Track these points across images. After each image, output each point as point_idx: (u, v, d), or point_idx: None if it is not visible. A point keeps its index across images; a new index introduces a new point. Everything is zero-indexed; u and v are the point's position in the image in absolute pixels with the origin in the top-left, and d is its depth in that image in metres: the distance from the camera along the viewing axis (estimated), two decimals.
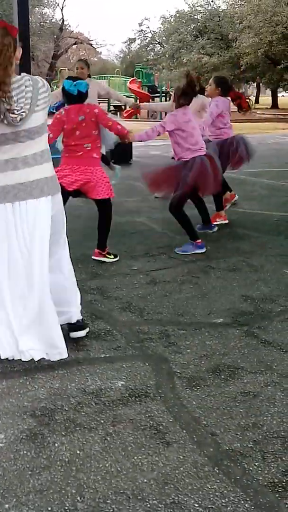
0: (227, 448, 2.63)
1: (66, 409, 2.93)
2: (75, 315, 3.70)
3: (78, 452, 2.59)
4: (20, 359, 3.42)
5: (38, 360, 3.43)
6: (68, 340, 3.71)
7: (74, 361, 3.44)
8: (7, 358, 3.42)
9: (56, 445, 2.64)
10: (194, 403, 3.00)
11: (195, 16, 37.35)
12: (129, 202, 8.12)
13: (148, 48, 46.92)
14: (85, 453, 2.58)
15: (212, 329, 3.92)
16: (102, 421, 2.83)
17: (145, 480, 2.40)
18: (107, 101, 30.66)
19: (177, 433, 2.74)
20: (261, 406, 2.97)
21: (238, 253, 5.65)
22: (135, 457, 2.55)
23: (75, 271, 5.07)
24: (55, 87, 40.76)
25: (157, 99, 32.69)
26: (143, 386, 3.16)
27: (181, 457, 2.56)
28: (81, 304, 4.30)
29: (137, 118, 27.48)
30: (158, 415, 2.88)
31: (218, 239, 6.18)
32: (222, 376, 3.27)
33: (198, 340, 3.75)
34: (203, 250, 5.61)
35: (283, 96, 49.00)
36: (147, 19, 47.19)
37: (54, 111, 10.07)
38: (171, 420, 2.84)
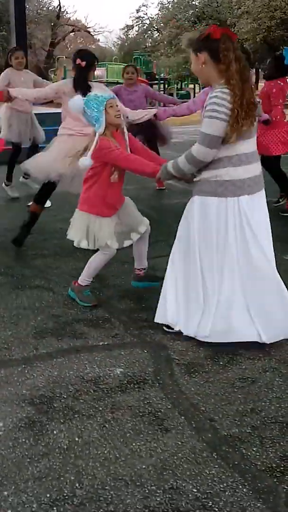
0: (225, 433, 2.63)
1: (65, 396, 2.94)
2: None
3: (76, 439, 2.60)
4: (20, 347, 3.43)
5: (37, 348, 3.44)
6: (65, 328, 3.72)
7: (72, 349, 3.45)
8: (5, 347, 3.43)
9: (54, 432, 2.65)
10: (192, 389, 3.00)
11: (193, 2, 37.08)
12: (128, 190, 8.07)
13: (146, 35, 46.68)
14: (83, 440, 2.59)
15: None
16: (101, 408, 2.83)
17: (144, 466, 2.41)
18: None
19: (175, 419, 2.74)
20: (259, 392, 2.98)
21: None
22: (134, 444, 2.56)
23: (73, 259, 5.08)
24: (53, 75, 40.71)
25: (155, 86, 32.54)
26: (141, 373, 3.16)
27: (180, 443, 2.57)
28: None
29: None
30: (156, 402, 2.89)
31: None
32: (221, 362, 3.28)
33: None
34: None
35: None
36: (144, 5, 47.12)
37: None
38: (169, 407, 2.85)
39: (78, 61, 5.00)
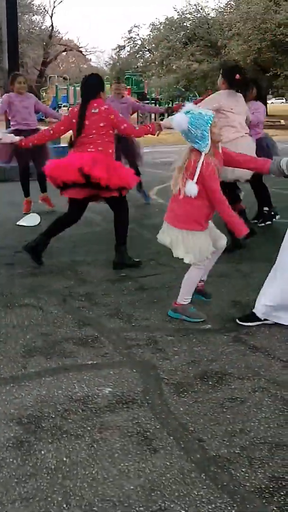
0: (214, 454, 2.62)
1: (53, 416, 2.92)
2: None
3: (64, 459, 2.58)
4: (8, 366, 3.41)
5: (25, 367, 3.42)
6: (54, 347, 3.71)
7: (61, 368, 3.43)
8: None
9: (42, 452, 2.62)
10: (181, 409, 2.99)
11: (185, 24, 37.45)
12: None
13: (137, 55, 47.05)
14: (71, 460, 2.57)
15: (200, 335, 3.92)
16: (89, 428, 2.81)
17: (132, 487, 2.39)
18: None
19: (164, 439, 2.73)
20: (248, 412, 2.97)
21: (228, 260, 5.65)
22: (122, 464, 2.54)
23: (63, 277, 5.08)
24: (43, 93, 40.92)
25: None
26: (130, 393, 3.15)
27: (168, 463, 2.55)
28: (68, 311, 4.30)
29: None
30: (145, 422, 2.87)
31: None
32: (210, 382, 3.27)
33: (186, 346, 3.74)
34: None
35: (272, 103, 49.24)
36: (136, 26, 47.37)
37: (43, 117, 10.15)
38: (158, 427, 2.83)
39: None
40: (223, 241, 4.23)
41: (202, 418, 2.91)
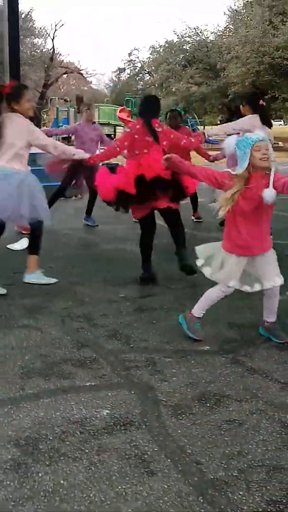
0: (212, 477, 2.61)
1: (51, 438, 2.91)
2: None
3: (62, 482, 2.57)
4: (6, 387, 3.41)
5: (23, 388, 3.42)
6: (53, 368, 3.71)
7: (59, 390, 3.43)
8: None
9: (40, 475, 2.62)
10: (179, 431, 2.99)
11: (184, 47, 37.90)
12: (117, 230, 8.15)
13: (137, 78, 47.48)
14: (69, 482, 2.56)
15: (198, 356, 3.92)
16: (87, 451, 2.81)
17: (129, 510, 2.38)
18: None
19: (161, 462, 2.72)
20: (246, 434, 2.96)
21: None
22: (119, 487, 2.53)
23: (62, 299, 5.09)
24: (44, 115, 41.14)
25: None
26: (128, 415, 3.14)
27: (166, 486, 2.54)
28: (66, 332, 4.31)
29: None
30: (143, 444, 2.87)
31: None
32: (208, 404, 3.27)
33: (184, 368, 3.74)
34: None
35: None
36: (136, 49, 47.90)
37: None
38: (156, 449, 2.83)
39: None
40: (270, 282, 4.05)
41: (200, 441, 2.90)
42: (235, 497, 2.47)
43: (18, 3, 13.66)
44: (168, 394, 3.38)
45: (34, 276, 5.49)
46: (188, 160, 5.95)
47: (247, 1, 33.24)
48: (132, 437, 2.93)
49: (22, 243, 6.96)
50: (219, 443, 2.88)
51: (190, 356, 3.92)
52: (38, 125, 45.34)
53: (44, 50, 46.87)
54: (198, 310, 4.21)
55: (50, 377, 3.59)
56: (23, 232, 7.31)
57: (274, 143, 7.24)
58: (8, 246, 6.94)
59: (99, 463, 2.70)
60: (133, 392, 3.41)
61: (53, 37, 49.19)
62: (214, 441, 2.90)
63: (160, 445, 2.86)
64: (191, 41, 37.89)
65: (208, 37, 37.80)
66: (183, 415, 3.15)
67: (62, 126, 34.60)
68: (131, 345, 4.11)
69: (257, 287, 4.11)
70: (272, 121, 7.35)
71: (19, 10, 16.56)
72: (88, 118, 8.58)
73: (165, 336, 4.26)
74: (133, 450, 2.81)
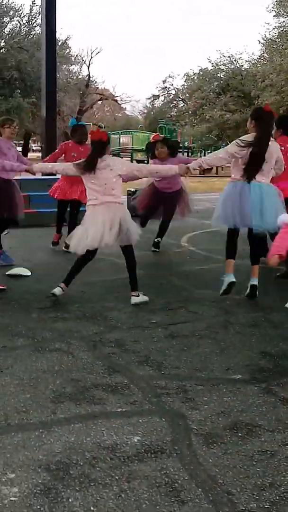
0: (243, 508, 2.58)
1: (81, 463, 2.91)
2: None
3: (92, 508, 2.56)
4: (38, 411, 3.42)
5: (55, 412, 3.43)
6: (84, 393, 3.71)
7: (90, 415, 3.43)
8: (23, 410, 3.43)
9: (70, 500, 2.61)
10: (210, 460, 2.96)
11: (218, 74, 38.14)
12: (150, 256, 8.18)
13: (171, 105, 47.91)
14: (98, 509, 2.55)
15: (230, 385, 3.89)
16: (117, 477, 2.80)
17: None
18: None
19: (192, 491, 2.70)
20: (278, 465, 2.92)
21: (258, 309, 5.64)
22: None
23: (93, 323, 5.11)
24: None
25: (179, 154, 33.11)
26: (159, 442, 3.12)
27: None
28: (98, 357, 4.32)
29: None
30: (173, 472, 2.84)
31: (238, 294, 6.16)
32: (240, 434, 3.23)
33: (216, 396, 3.71)
34: None
35: None
36: (171, 76, 48.18)
37: None
38: (186, 478, 2.80)
39: None
40: None
41: (231, 471, 2.87)
42: None
43: (55, 31, 14.01)
44: (200, 423, 3.36)
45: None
46: None
47: (282, 31, 33.37)
48: (163, 464, 2.91)
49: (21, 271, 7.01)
50: (251, 474, 2.84)
51: (222, 384, 3.90)
52: None
53: (80, 77, 47.64)
54: None
55: (81, 402, 3.60)
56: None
57: None
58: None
59: (129, 490, 2.69)
60: (164, 420, 3.39)
61: (89, 64, 50.03)
62: (245, 471, 2.86)
63: (191, 474, 2.84)
64: (225, 69, 38.13)
65: (242, 65, 37.99)
66: (215, 444, 3.12)
67: None
68: (163, 372, 4.10)
69: None
70: None
71: (57, 37, 16.95)
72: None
73: (197, 364, 4.24)
74: (164, 478, 2.79)
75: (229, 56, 37.76)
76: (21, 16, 34.96)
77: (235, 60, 37.90)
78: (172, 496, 2.65)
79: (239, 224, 5.77)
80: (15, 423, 3.32)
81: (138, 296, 5.78)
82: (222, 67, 38.21)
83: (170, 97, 47.84)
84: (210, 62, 38.56)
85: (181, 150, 34.03)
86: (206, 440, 3.16)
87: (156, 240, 8.53)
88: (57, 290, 5.75)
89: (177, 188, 8.38)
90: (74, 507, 2.56)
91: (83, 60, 48.91)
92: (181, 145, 36.08)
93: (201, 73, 39.32)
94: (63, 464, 2.90)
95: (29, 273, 6.90)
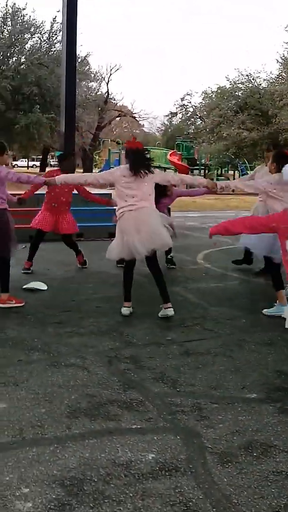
0: None
1: (95, 480, 2.90)
2: None
3: None
4: (52, 426, 3.42)
5: (69, 428, 3.43)
6: (99, 409, 3.71)
7: (105, 431, 3.43)
8: (38, 424, 3.43)
9: None
10: (225, 480, 2.94)
11: (236, 93, 38.22)
12: (164, 272, 8.17)
13: (189, 122, 48.01)
14: None
15: (245, 404, 3.87)
16: (131, 494, 2.79)
17: None
18: None
19: (207, 510, 2.68)
20: None
21: (274, 327, 5.61)
22: None
23: (109, 338, 5.11)
24: (97, 157, 41.90)
25: (196, 171, 33.18)
26: (173, 460, 3.11)
27: None
28: (113, 372, 4.32)
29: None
30: (188, 491, 2.83)
31: (254, 312, 6.15)
32: (255, 454, 3.21)
33: (231, 415, 3.70)
34: None
35: None
36: (189, 94, 48.19)
37: None
38: (201, 497, 2.79)
39: None
40: None
41: (246, 491, 2.85)
42: None
43: (76, 48, 14.15)
44: (214, 441, 3.34)
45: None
46: None
47: None
48: (177, 483, 2.89)
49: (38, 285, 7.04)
50: (265, 494, 2.82)
51: (237, 403, 3.88)
52: (90, 165, 46.26)
53: (98, 93, 48.01)
54: None
55: (96, 417, 3.60)
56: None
57: None
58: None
59: (143, 508, 2.68)
60: (178, 437, 3.38)
61: (108, 81, 50.42)
62: (260, 492, 2.84)
63: (205, 493, 2.82)
64: (243, 88, 38.22)
65: (260, 84, 38.04)
66: (229, 463, 3.10)
67: (113, 167, 35.30)
68: (178, 389, 4.09)
69: None
70: None
71: (76, 54, 17.13)
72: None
73: (212, 382, 4.22)
74: (178, 497, 2.78)
75: (247, 75, 37.84)
76: (42, 33, 35.34)
77: (253, 79, 37.95)
78: None
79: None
80: (30, 437, 3.32)
81: (171, 308, 5.88)
82: (240, 85, 38.29)
83: (188, 115, 47.95)
84: (228, 80, 38.70)
85: (198, 167, 34.10)
86: (221, 459, 3.14)
87: (169, 257, 8.53)
88: (125, 310, 5.94)
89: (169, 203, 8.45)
90: None
91: (102, 77, 49.33)
92: (198, 163, 36.19)
93: (219, 91, 39.44)
94: (77, 480, 2.90)
95: (45, 287, 6.93)
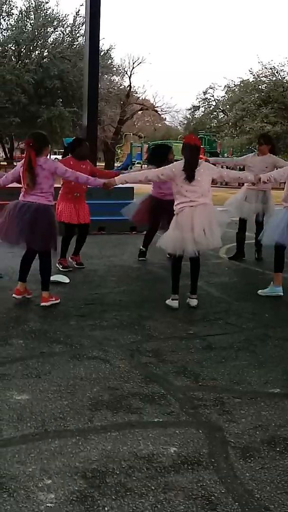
0: None
1: (117, 472, 2.90)
2: None
3: None
4: (75, 418, 3.43)
5: (91, 420, 3.44)
6: (121, 402, 3.71)
7: (127, 424, 3.43)
8: (61, 416, 3.44)
9: (106, 509, 2.60)
10: (247, 474, 2.93)
11: (259, 86, 37.95)
12: (188, 267, 8.15)
13: (211, 116, 47.81)
14: None
15: (268, 399, 3.84)
16: (153, 488, 2.78)
17: None
18: None
19: (229, 505, 2.67)
20: None
21: None
22: None
23: (131, 332, 5.11)
24: (119, 150, 41.92)
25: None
26: (195, 454, 3.10)
27: None
28: (135, 366, 4.31)
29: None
30: (210, 485, 2.82)
31: (277, 307, 6.11)
32: (278, 449, 3.19)
33: (253, 409, 3.67)
34: None
35: None
36: (211, 87, 47.91)
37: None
38: (223, 491, 2.77)
39: None
40: None
41: (268, 486, 2.83)
42: None
43: (99, 42, 14.13)
44: (237, 436, 3.32)
45: None
46: None
47: None
48: (199, 477, 2.88)
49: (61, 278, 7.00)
50: None
51: (259, 398, 3.85)
52: (111, 159, 46.21)
53: (121, 87, 47.98)
54: None
55: (118, 410, 3.60)
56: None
57: None
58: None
59: (165, 502, 2.67)
60: (201, 431, 3.37)
61: (131, 75, 50.35)
62: (283, 487, 2.82)
63: (227, 487, 2.81)
64: (267, 81, 37.94)
65: (284, 78, 37.77)
66: (252, 458, 3.08)
67: (135, 161, 35.27)
68: (200, 383, 4.08)
69: None
70: None
71: (99, 48, 17.12)
72: None
73: (234, 376, 4.20)
74: (200, 491, 2.77)
75: (271, 68, 37.56)
76: (65, 26, 35.45)
77: (277, 72, 37.67)
78: (209, 509, 2.63)
79: None
80: (52, 429, 3.33)
81: (196, 300, 6.03)
82: (264, 79, 38.03)
83: (211, 108, 47.72)
84: (251, 73, 38.45)
85: None
86: (243, 454, 3.12)
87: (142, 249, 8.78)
88: (174, 303, 5.98)
89: (171, 198, 8.30)
90: None
91: (124, 71, 49.26)
92: (220, 156, 35.97)
93: (242, 84, 39.21)
94: (99, 472, 2.90)
95: (67, 280, 6.94)
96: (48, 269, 5.90)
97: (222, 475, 2.92)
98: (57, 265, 7.39)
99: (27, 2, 33.91)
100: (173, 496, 2.72)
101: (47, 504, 2.62)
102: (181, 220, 5.75)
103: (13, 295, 5.92)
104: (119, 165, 40.28)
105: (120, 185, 6.36)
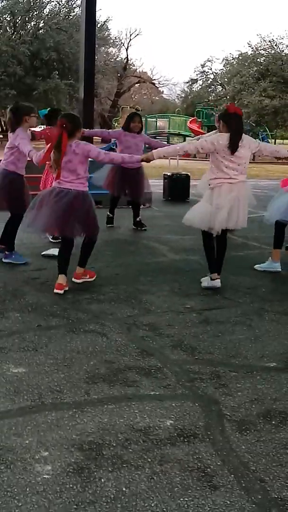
0: (276, 496, 2.56)
1: (114, 444, 2.92)
2: None
3: (124, 489, 2.57)
4: (71, 391, 3.44)
5: (88, 393, 3.45)
6: (117, 375, 3.72)
7: (123, 397, 3.44)
8: (57, 389, 3.45)
9: (102, 480, 2.62)
10: (243, 447, 2.94)
11: (258, 59, 37.62)
12: (185, 240, 8.14)
13: (209, 89, 47.42)
14: (131, 491, 2.56)
15: (264, 373, 3.86)
16: (149, 460, 2.80)
17: None
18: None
19: (225, 477, 2.69)
20: None
21: None
22: (181, 499, 2.51)
23: (127, 306, 5.11)
24: (116, 123, 41.63)
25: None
26: (192, 427, 3.12)
27: (228, 502, 2.51)
28: (132, 339, 4.32)
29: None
30: (206, 457, 2.84)
31: (274, 282, 6.12)
32: (273, 422, 3.21)
33: (249, 383, 3.69)
34: None
35: None
36: (210, 60, 47.46)
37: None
38: (219, 463, 2.79)
39: None
40: None
41: (264, 458, 2.85)
42: None
43: (95, 13, 13.92)
44: (233, 409, 3.34)
45: None
46: None
47: None
48: (195, 449, 2.90)
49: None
50: (284, 462, 2.82)
51: (255, 372, 3.87)
52: None
53: (118, 59, 47.51)
54: None
55: (114, 383, 3.61)
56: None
57: None
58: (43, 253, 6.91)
59: (161, 473, 2.69)
60: (197, 404, 3.38)
61: (128, 47, 49.85)
62: (279, 459, 2.84)
63: (223, 460, 2.83)
64: (265, 54, 37.60)
65: (283, 51, 37.44)
66: (248, 431, 3.10)
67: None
68: (196, 357, 4.09)
69: None
70: None
71: (96, 19, 16.87)
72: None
73: (231, 350, 4.22)
74: (196, 463, 2.79)
75: (269, 41, 37.21)
76: None
77: (275, 45, 37.33)
78: (204, 481, 2.64)
79: None
80: (49, 402, 3.34)
81: (219, 280, 5.85)
82: (262, 52, 37.68)
83: (209, 82, 47.31)
84: (250, 46, 38.07)
85: None
86: (239, 427, 3.14)
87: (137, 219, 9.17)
88: (215, 283, 5.81)
89: (138, 166, 8.43)
90: (106, 487, 2.57)
91: (121, 43, 48.72)
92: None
93: (240, 57, 38.85)
94: (96, 444, 2.91)
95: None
96: (89, 248, 5.89)
97: (218, 447, 2.94)
98: (47, 235, 7.27)
99: None
100: (169, 468, 2.74)
101: (44, 476, 2.63)
102: (217, 196, 5.60)
103: (55, 290, 5.47)
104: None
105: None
